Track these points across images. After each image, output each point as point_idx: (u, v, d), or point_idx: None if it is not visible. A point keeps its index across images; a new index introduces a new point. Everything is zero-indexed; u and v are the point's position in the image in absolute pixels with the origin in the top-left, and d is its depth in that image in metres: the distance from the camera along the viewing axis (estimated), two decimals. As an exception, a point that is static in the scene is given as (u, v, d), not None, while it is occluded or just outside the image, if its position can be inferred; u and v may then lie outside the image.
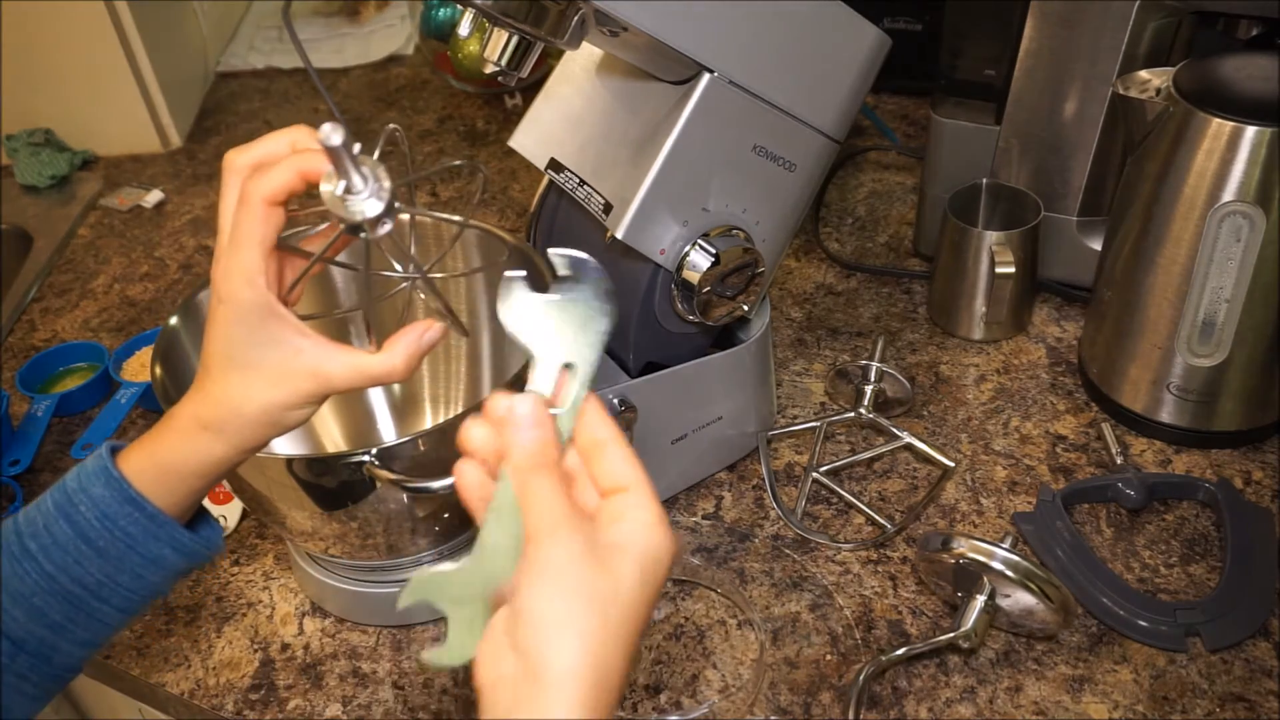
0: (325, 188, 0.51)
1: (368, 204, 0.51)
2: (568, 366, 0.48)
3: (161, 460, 0.57)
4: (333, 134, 0.47)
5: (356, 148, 0.50)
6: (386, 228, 0.53)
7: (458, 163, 0.56)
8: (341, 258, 0.60)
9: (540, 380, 0.48)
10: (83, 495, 0.56)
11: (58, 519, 0.56)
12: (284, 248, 0.55)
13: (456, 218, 0.58)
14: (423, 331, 0.55)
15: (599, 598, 0.43)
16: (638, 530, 0.46)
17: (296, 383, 0.54)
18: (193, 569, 0.61)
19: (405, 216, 0.54)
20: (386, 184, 0.51)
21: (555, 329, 0.49)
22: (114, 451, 0.58)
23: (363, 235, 0.53)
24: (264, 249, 0.52)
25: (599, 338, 0.49)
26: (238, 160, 0.54)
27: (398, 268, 0.58)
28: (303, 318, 0.55)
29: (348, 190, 0.51)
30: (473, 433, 0.48)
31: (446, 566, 0.47)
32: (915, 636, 0.76)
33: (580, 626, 0.43)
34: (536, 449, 0.46)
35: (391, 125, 0.55)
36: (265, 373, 0.54)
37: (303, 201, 0.54)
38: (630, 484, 0.46)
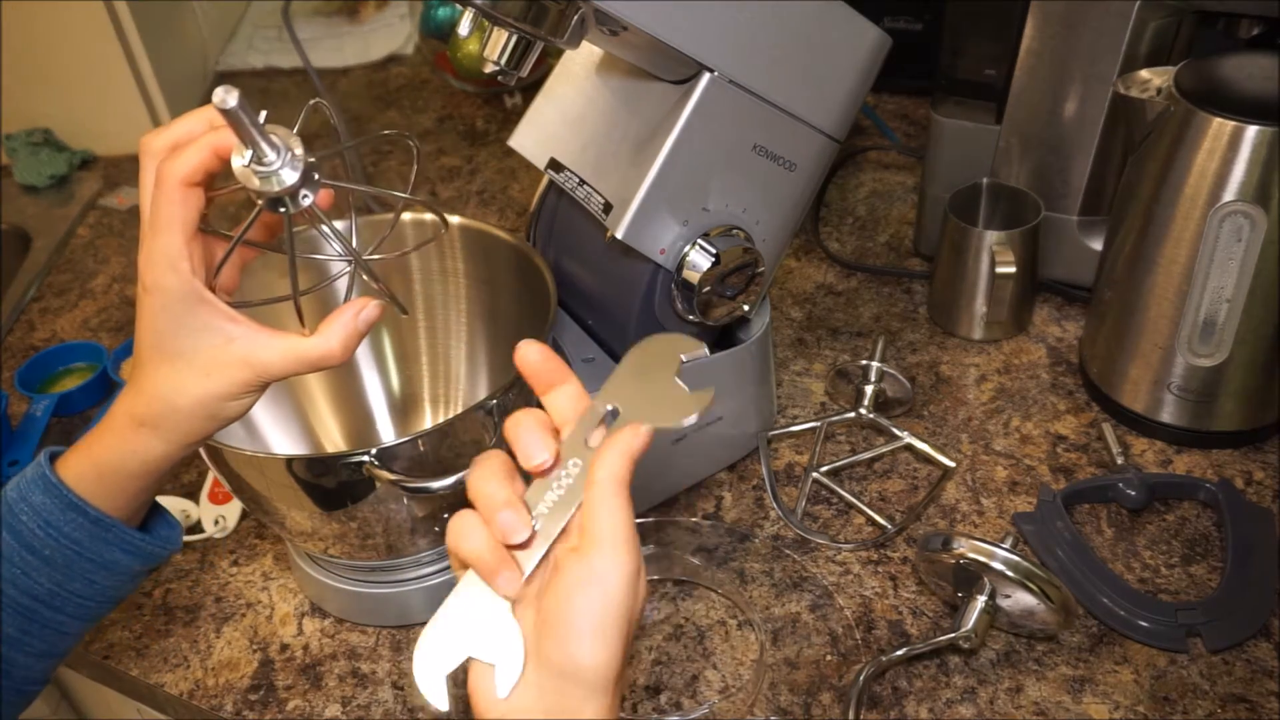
0: (236, 161, 0.49)
1: (282, 174, 0.49)
2: (612, 413, 0.50)
3: (100, 462, 0.55)
4: (227, 97, 0.45)
5: (262, 116, 0.48)
6: (307, 200, 0.51)
7: (388, 132, 0.55)
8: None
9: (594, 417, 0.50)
10: (23, 505, 0.55)
11: (0, 531, 0.55)
12: (207, 231, 0.53)
13: (397, 193, 0.57)
14: (358, 311, 0.53)
15: (630, 619, 0.45)
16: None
17: (230, 372, 0.52)
18: (151, 569, 0.59)
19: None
20: (300, 152, 0.49)
21: (642, 391, 0.50)
22: (53, 458, 0.56)
23: (283, 210, 0.51)
24: (185, 232, 0.50)
25: (668, 417, 0.50)
26: (154, 143, 0.52)
27: (335, 249, 0.56)
28: (235, 305, 0.53)
29: (257, 160, 0.49)
30: (528, 353, 0.50)
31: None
32: (915, 637, 0.76)
33: (615, 637, 0.45)
34: (625, 473, 0.47)
35: (314, 100, 0.53)
36: (197, 363, 0.52)
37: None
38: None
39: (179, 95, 1.43)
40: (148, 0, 1.34)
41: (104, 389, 1.05)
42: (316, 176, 0.51)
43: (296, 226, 0.55)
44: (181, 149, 0.50)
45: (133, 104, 1.37)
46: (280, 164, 0.49)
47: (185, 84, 1.47)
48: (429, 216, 0.85)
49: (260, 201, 0.51)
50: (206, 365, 0.52)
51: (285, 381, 0.87)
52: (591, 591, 0.44)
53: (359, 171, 1.19)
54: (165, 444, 0.54)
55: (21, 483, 0.56)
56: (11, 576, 0.54)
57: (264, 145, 0.48)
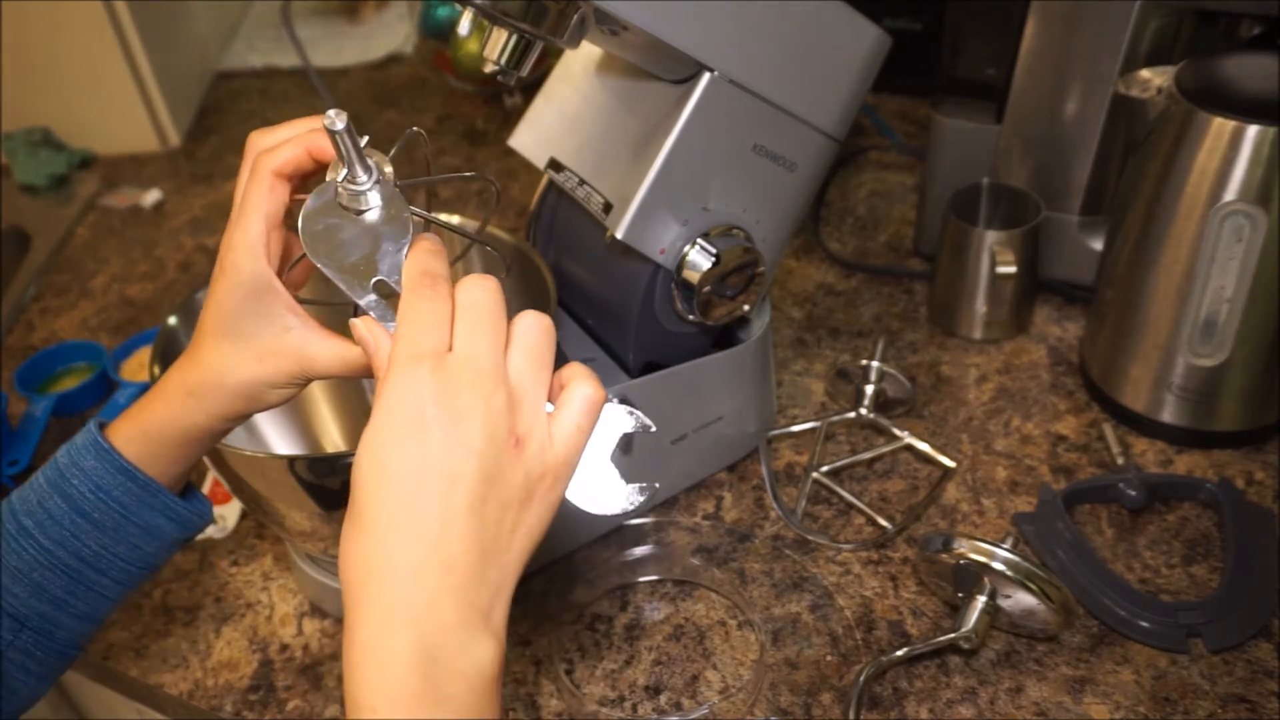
0: (331, 177, 0.52)
1: (369, 195, 0.52)
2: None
3: (148, 428, 0.58)
4: (337, 119, 0.49)
5: (364, 140, 0.51)
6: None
7: (470, 174, 0.57)
8: None
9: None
10: (75, 469, 0.57)
11: (52, 495, 0.57)
12: (291, 229, 0.55)
13: (469, 230, 0.59)
14: None
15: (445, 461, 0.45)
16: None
17: (279, 360, 0.55)
18: (186, 539, 0.62)
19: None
20: (390, 175, 0.52)
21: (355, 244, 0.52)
22: (101, 426, 0.59)
23: None
24: (269, 221, 0.53)
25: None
26: (259, 139, 0.55)
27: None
28: (302, 302, 0.56)
29: (349, 179, 0.52)
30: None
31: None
32: (916, 637, 0.76)
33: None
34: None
35: (415, 128, 0.56)
36: (253, 346, 0.55)
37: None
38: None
39: (179, 95, 1.43)
40: (148, 0, 1.34)
41: (103, 389, 1.05)
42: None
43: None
44: (279, 145, 0.54)
45: (132, 104, 1.37)
46: (370, 185, 0.52)
47: (185, 84, 1.47)
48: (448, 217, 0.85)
49: None
50: (260, 351, 0.55)
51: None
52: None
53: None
54: (206, 416, 0.57)
55: (72, 449, 0.59)
56: (61, 538, 0.57)
57: (359, 167, 0.51)
